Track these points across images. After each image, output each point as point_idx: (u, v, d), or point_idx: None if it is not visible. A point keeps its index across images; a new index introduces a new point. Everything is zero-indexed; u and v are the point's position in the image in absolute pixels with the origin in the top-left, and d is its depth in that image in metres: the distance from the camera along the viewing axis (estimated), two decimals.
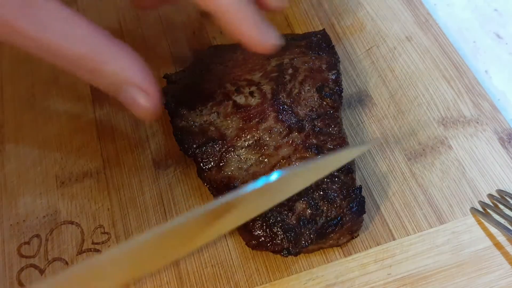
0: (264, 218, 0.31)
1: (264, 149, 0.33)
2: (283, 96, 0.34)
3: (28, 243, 0.34)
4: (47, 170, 0.37)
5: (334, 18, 0.44)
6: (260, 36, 0.30)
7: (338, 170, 0.32)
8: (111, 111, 0.40)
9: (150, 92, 0.29)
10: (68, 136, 0.39)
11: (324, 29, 0.40)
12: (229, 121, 0.34)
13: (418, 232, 0.33)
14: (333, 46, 0.38)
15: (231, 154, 0.33)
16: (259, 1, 0.32)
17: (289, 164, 0.32)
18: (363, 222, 0.33)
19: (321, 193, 0.32)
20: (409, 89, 0.40)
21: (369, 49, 0.42)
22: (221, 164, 0.33)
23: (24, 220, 0.35)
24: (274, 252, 0.31)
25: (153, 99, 0.29)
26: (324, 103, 0.34)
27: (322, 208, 0.31)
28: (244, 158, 0.33)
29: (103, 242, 0.34)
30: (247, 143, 0.33)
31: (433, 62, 0.41)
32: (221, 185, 0.33)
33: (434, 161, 0.36)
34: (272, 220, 0.31)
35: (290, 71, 0.36)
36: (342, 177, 0.32)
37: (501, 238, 0.33)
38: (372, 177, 0.36)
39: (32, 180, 0.37)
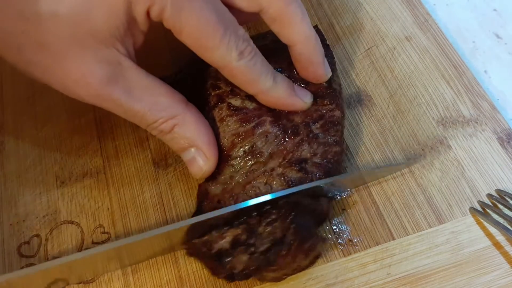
0: (202, 247, 0.30)
1: (258, 156, 0.32)
2: None
3: (28, 242, 0.34)
4: (47, 169, 0.37)
5: (333, 18, 0.44)
6: (295, 104, 0.33)
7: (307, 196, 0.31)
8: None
9: (209, 156, 0.31)
10: (68, 136, 0.39)
11: (316, 25, 0.37)
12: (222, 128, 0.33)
13: (418, 232, 0.34)
14: (328, 45, 0.36)
15: (226, 166, 0.32)
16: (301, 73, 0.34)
17: (284, 170, 0.31)
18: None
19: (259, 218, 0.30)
20: (409, 89, 0.40)
21: (368, 49, 0.42)
22: (217, 176, 0.32)
23: (24, 220, 0.35)
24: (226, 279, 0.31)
25: (211, 163, 0.32)
26: (318, 107, 0.34)
27: (260, 232, 0.30)
28: (238, 167, 0.32)
29: (103, 242, 0.34)
30: (242, 149, 0.32)
31: (432, 62, 0.41)
32: (225, 198, 0.32)
33: (433, 161, 0.36)
34: (208, 249, 0.30)
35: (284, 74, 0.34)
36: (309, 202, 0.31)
37: (500, 237, 0.33)
38: None
39: (32, 180, 0.37)
